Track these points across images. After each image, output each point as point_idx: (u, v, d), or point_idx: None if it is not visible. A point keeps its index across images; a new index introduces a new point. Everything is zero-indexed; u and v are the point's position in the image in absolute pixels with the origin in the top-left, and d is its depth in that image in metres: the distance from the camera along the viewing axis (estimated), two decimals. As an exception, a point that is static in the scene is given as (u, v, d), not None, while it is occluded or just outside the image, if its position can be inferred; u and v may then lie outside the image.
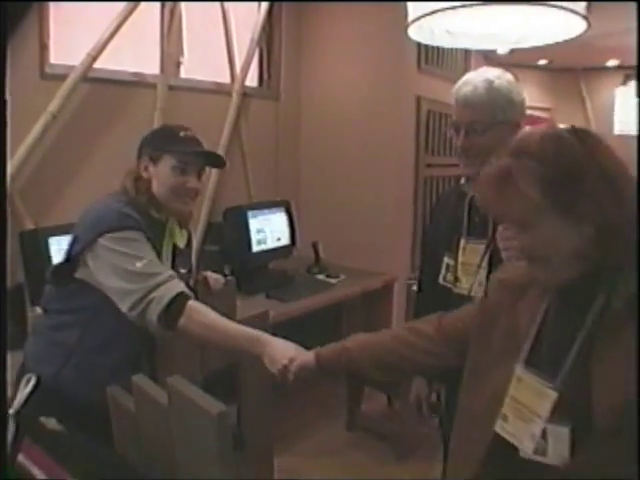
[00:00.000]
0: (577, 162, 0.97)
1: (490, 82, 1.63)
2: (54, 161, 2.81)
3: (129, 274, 1.57)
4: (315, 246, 2.39)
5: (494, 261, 1.60)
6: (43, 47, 2.75)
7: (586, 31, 1.65)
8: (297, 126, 4.15)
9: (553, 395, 1.00)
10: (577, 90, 7.30)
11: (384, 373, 1.44)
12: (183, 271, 1.83)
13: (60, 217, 2.66)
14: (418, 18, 1.58)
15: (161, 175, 1.72)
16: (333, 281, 3.32)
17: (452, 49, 4.17)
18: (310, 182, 4.08)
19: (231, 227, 3.12)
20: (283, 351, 1.49)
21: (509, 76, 1.69)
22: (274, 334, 1.60)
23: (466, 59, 4.64)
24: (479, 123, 1.61)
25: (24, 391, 1.59)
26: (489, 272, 1.60)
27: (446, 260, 1.78)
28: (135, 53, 3.24)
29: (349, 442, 2.50)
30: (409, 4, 1.68)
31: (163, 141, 1.74)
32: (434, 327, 1.38)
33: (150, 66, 3.29)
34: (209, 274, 2.10)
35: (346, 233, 3.79)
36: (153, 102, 3.22)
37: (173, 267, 1.76)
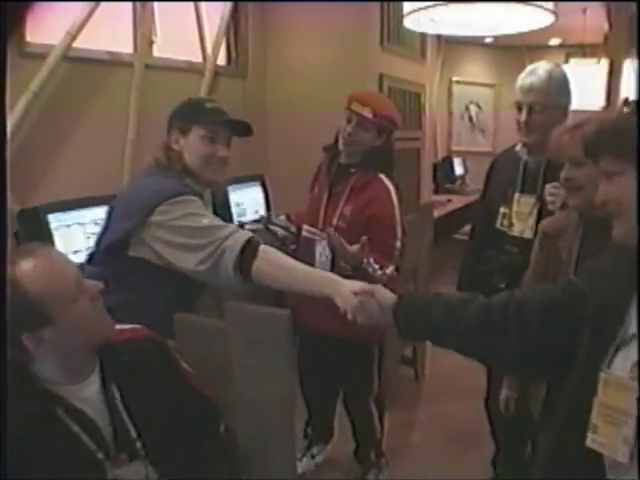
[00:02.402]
0: None
1: (550, 73, 2.08)
2: (36, 139, 2.86)
3: (196, 230, 1.65)
4: (288, 218, 2.57)
5: (542, 211, 2.06)
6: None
7: (553, 23, 1.89)
8: (264, 104, 4.26)
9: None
10: (522, 67, 7.52)
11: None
12: None
13: (46, 195, 2.72)
14: (413, 11, 1.77)
15: (192, 146, 1.82)
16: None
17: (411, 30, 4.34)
18: (279, 158, 4.21)
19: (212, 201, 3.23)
20: (355, 288, 1.49)
21: (562, 70, 2.16)
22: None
23: (422, 38, 4.84)
24: (538, 104, 2.06)
25: None
26: (538, 219, 2.06)
27: (502, 210, 2.23)
28: (109, 33, 3.29)
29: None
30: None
31: (191, 113, 1.85)
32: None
33: (123, 45, 3.35)
34: None
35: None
36: (129, 81, 3.28)
37: None
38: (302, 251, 2.33)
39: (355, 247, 1.91)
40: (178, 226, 1.67)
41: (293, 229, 2.48)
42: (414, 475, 2.74)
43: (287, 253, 1.84)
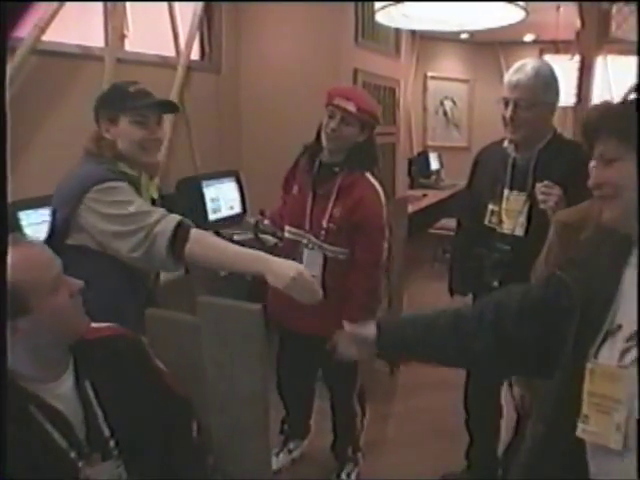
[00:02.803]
0: None
1: (537, 70, 2.06)
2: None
3: (124, 218, 1.65)
4: (262, 213, 2.56)
5: (533, 209, 2.07)
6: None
7: (524, 19, 1.90)
8: (237, 98, 4.25)
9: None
10: (496, 63, 7.68)
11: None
12: None
13: (16, 191, 2.66)
14: (384, 7, 1.77)
15: (124, 133, 1.80)
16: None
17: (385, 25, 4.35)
18: (252, 153, 4.20)
19: (186, 197, 3.22)
20: (289, 266, 1.57)
21: (550, 67, 2.14)
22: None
23: (397, 34, 4.86)
24: (524, 101, 2.05)
25: None
26: (529, 216, 2.10)
27: (491, 207, 2.22)
28: (79, 25, 3.24)
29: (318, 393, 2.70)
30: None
31: (116, 101, 1.82)
32: None
33: (94, 39, 3.30)
34: None
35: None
36: (100, 75, 3.23)
37: None
38: (286, 252, 2.27)
39: None
40: (107, 214, 1.68)
41: (280, 234, 2.43)
42: (390, 468, 2.76)
43: None
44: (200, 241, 1.67)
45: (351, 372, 2.43)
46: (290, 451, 2.73)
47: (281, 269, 1.55)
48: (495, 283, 2.19)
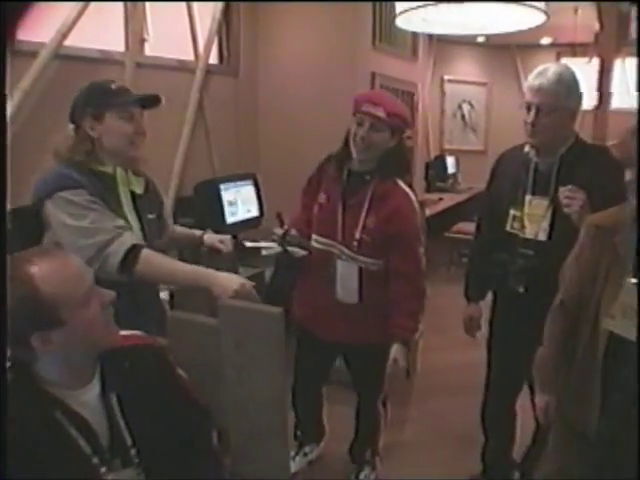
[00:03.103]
0: None
1: (559, 75, 2.04)
2: (27, 137, 2.85)
3: (78, 230, 1.70)
4: (280, 217, 2.51)
5: (556, 213, 2.06)
6: (12, 24, 2.77)
7: (545, 22, 1.89)
8: (255, 102, 4.27)
9: None
10: (513, 66, 7.65)
11: None
12: (151, 216, 1.94)
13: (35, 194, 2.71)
14: (405, 11, 1.78)
15: (111, 129, 1.81)
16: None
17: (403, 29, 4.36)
18: (269, 155, 4.22)
19: (204, 200, 3.24)
20: (232, 279, 1.66)
21: (573, 72, 2.11)
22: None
23: (414, 37, 4.85)
24: (546, 105, 2.02)
25: None
26: (552, 221, 2.09)
27: (512, 212, 2.20)
28: (100, 30, 3.28)
29: (328, 396, 2.70)
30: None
31: (101, 98, 1.83)
32: None
33: (114, 44, 3.34)
34: (215, 236, 2.19)
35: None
36: (120, 79, 3.26)
37: (137, 213, 1.88)
38: (316, 263, 2.27)
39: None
40: (62, 223, 1.71)
41: (306, 244, 2.33)
42: (406, 472, 2.75)
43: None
44: (150, 262, 1.74)
45: (380, 376, 2.43)
46: (306, 454, 2.74)
47: (225, 282, 1.64)
48: (521, 289, 2.17)
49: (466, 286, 2.49)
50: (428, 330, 3.79)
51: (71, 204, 1.71)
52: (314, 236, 2.31)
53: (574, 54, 6.73)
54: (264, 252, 2.17)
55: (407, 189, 2.21)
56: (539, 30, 6.25)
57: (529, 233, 2.16)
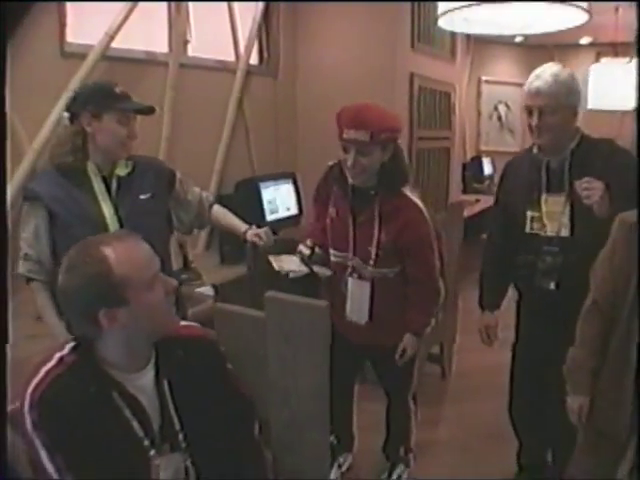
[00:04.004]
0: None
1: (556, 76, 2.07)
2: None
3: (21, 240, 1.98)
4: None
5: (574, 207, 2.09)
6: (62, 26, 2.86)
7: (587, 22, 1.89)
8: (294, 102, 4.32)
9: None
10: (552, 67, 7.56)
11: None
12: (143, 196, 2.02)
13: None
14: (448, 11, 1.80)
15: (107, 129, 1.92)
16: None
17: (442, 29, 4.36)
18: (308, 155, 4.26)
19: (244, 198, 3.30)
20: None
21: (569, 71, 2.14)
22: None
23: (452, 38, 4.85)
24: (548, 106, 2.07)
25: None
26: (571, 216, 2.12)
27: (529, 213, 2.22)
28: (144, 32, 3.37)
29: (361, 394, 2.72)
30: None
31: (104, 99, 1.92)
32: None
33: (158, 45, 3.42)
34: (258, 230, 2.23)
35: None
36: (163, 79, 3.36)
37: (120, 197, 1.98)
38: (334, 277, 2.27)
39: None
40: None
41: (325, 259, 2.31)
42: (440, 471, 2.76)
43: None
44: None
45: (409, 373, 2.45)
46: (340, 465, 2.74)
47: None
48: (552, 286, 2.18)
49: (480, 295, 2.48)
50: (463, 332, 3.80)
51: (22, 216, 1.96)
52: (331, 250, 2.30)
53: (615, 54, 6.63)
54: (292, 275, 2.11)
55: (415, 199, 2.16)
56: (579, 30, 6.18)
57: (550, 231, 2.18)
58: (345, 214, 2.22)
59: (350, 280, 2.23)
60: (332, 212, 2.28)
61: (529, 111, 2.14)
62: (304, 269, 2.16)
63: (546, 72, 2.10)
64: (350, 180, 2.15)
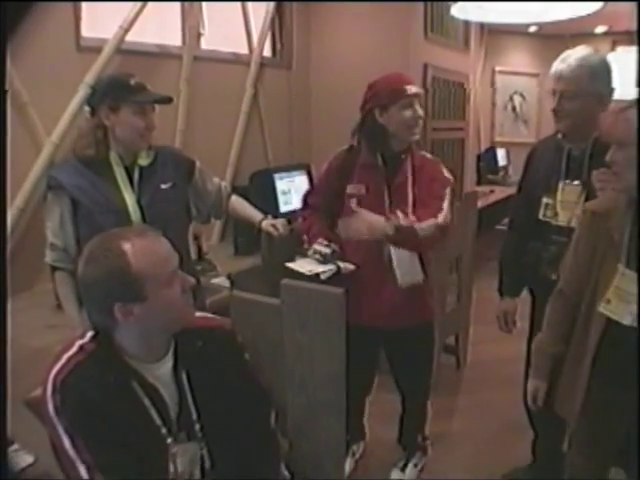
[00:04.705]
0: None
1: (581, 60, 2.01)
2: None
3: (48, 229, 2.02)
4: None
5: (589, 197, 2.02)
6: (78, 20, 2.89)
7: (602, 8, 1.88)
8: (308, 93, 4.33)
9: None
10: (566, 56, 7.48)
11: None
12: (164, 186, 2.05)
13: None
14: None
15: (124, 121, 1.94)
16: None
17: (456, 19, 4.34)
18: (322, 146, 4.25)
19: (258, 189, 3.31)
20: None
21: (600, 56, 2.09)
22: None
23: (466, 28, 4.83)
24: (568, 91, 2.02)
25: None
26: None
27: (545, 200, 2.19)
28: (157, 25, 3.39)
29: (378, 384, 2.73)
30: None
31: (119, 92, 1.94)
32: None
33: (171, 38, 3.44)
34: (274, 221, 2.27)
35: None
36: (177, 72, 3.38)
37: (142, 186, 2.01)
38: (365, 256, 2.22)
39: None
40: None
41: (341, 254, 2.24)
42: (454, 461, 2.77)
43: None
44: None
45: (426, 368, 2.44)
46: (354, 453, 2.76)
47: None
48: (554, 276, 2.12)
49: (500, 281, 2.46)
50: (478, 322, 3.80)
51: (46, 205, 2.00)
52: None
53: (631, 42, 6.55)
54: (323, 277, 2.08)
55: (433, 157, 2.32)
56: (594, 18, 6.12)
57: (562, 220, 2.15)
58: (378, 184, 2.22)
59: (393, 250, 2.18)
60: (358, 190, 2.25)
61: (553, 94, 2.09)
62: (332, 267, 2.13)
63: (572, 56, 2.05)
64: (411, 138, 2.20)
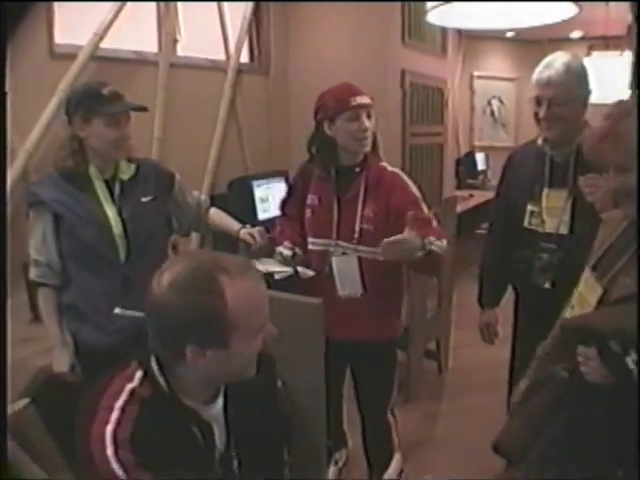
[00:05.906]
0: None
1: (567, 65, 2.01)
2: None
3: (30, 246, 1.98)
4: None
5: (576, 203, 2.03)
6: (51, 27, 2.85)
7: (577, 14, 1.89)
8: (286, 100, 4.31)
9: (599, 290, 1.38)
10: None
11: None
12: (145, 199, 2.02)
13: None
14: (437, 6, 1.81)
15: (97, 133, 1.90)
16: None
17: (433, 25, 4.35)
18: (301, 153, 4.23)
19: (237, 197, 3.30)
20: None
21: (580, 60, 2.10)
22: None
23: (443, 33, 4.85)
24: (558, 97, 2.00)
25: None
26: (572, 212, 2.06)
27: (530, 208, 2.16)
28: (133, 32, 3.35)
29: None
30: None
31: (91, 102, 1.89)
32: None
33: (147, 44, 3.41)
34: (251, 230, 2.21)
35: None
36: (154, 79, 3.34)
37: (123, 200, 1.97)
38: (313, 264, 2.18)
39: (406, 232, 1.85)
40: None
41: (307, 260, 2.23)
42: (437, 467, 2.76)
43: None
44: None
45: (389, 380, 2.32)
46: (336, 462, 2.71)
47: None
48: (547, 284, 2.13)
49: (480, 291, 2.43)
50: (459, 327, 3.80)
51: (29, 223, 1.96)
52: (310, 239, 2.24)
53: (606, 47, 6.64)
54: (277, 276, 2.08)
55: (390, 168, 2.17)
56: (570, 24, 6.18)
57: (549, 227, 2.12)
58: (329, 197, 2.17)
59: (334, 259, 2.14)
60: (313, 200, 2.23)
61: (538, 102, 2.06)
62: (288, 269, 2.12)
63: (557, 61, 2.03)
64: (365, 149, 2.11)
